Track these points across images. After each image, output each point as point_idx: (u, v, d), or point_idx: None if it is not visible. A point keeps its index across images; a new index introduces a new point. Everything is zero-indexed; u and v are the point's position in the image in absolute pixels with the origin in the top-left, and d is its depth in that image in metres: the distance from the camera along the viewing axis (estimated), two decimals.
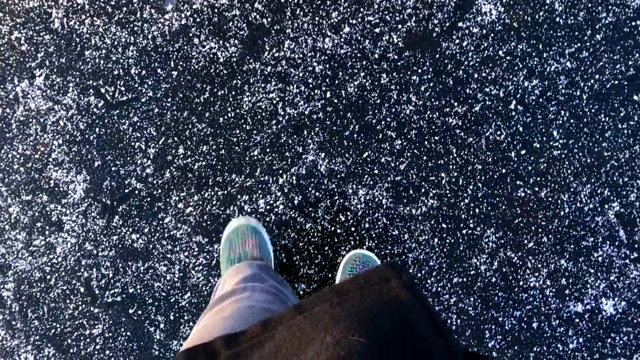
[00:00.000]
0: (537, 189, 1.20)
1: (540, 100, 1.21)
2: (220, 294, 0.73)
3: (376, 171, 1.20)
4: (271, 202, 1.19)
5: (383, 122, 1.20)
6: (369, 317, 0.40)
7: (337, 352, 0.36)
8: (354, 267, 1.12)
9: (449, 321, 1.20)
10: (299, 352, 0.39)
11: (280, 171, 1.20)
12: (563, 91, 1.21)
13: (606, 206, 1.20)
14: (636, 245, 1.20)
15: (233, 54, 1.20)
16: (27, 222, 1.18)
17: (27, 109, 1.19)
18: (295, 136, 1.20)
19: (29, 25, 1.19)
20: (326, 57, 1.20)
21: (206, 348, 0.44)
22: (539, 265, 1.20)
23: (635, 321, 1.20)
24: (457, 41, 1.21)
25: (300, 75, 1.20)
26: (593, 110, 1.21)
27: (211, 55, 1.20)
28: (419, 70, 1.20)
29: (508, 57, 1.21)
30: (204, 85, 1.20)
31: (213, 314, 0.64)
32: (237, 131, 1.19)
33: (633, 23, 1.20)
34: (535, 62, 1.21)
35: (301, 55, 1.20)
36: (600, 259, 1.20)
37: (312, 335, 0.40)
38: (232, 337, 0.44)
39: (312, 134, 1.20)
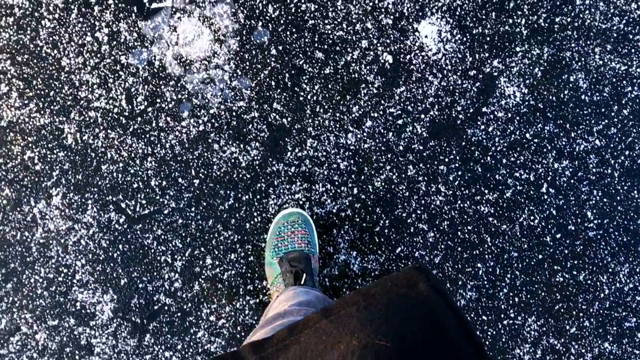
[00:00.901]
0: (575, 272, 1.18)
1: (572, 181, 1.18)
2: (272, 314, 0.71)
3: None
4: None
5: (413, 215, 1.17)
6: (396, 320, 0.40)
7: (363, 356, 0.36)
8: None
9: None
10: (324, 354, 0.39)
11: None
12: (594, 170, 1.19)
13: None
14: None
15: (255, 157, 1.16)
16: (56, 349, 1.14)
17: (47, 230, 1.15)
18: (324, 236, 1.17)
19: (41, 143, 1.15)
20: (350, 153, 1.17)
21: (235, 355, 0.44)
22: (583, 351, 1.18)
23: None
24: (483, 127, 1.18)
25: (325, 173, 1.17)
26: (626, 188, 1.19)
27: (232, 160, 1.16)
28: (446, 160, 1.18)
29: (536, 140, 1.18)
30: (228, 192, 1.16)
31: (261, 333, 0.63)
32: (265, 236, 1.16)
33: None
34: (563, 143, 1.18)
35: (324, 153, 1.17)
36: None
37: (338, 338, 0.39)
38: (259, 343, 0.44)
39: (342, 232, 1.17)
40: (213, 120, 1.16)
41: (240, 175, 1.16)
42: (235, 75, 1.17)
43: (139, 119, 1.16)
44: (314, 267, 1.05)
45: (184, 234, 1.16)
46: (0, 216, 1.14)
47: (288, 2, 1.18)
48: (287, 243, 1.06)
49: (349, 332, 0.39)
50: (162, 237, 1.15)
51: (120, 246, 1.15)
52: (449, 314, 0.41)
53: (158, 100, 1.16)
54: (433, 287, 0.43)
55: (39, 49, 1.16)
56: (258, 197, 1.16)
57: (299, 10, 1.18)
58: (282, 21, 1.17)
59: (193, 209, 1.16)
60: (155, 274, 1.15)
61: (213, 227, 1.16)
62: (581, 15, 1.19)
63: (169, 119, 1.16)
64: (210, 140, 1.16)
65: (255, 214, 1.16)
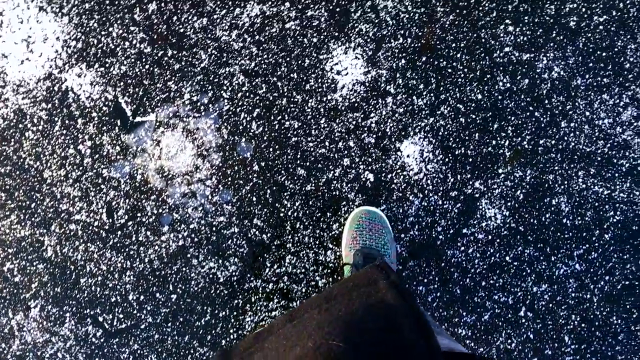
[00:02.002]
0: None
1: (550, 305, 1.18)
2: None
3: None
4: None
5: None
6: (353, 321, 0.41)
7: (315, 357, 0.37)
8: (360, 223, 1.09)
9: None
10: (283, 358, 0.41)
11: None
12: (573, 295, 1.18)
13: None
14: None
15: (233, 273, 1.17)
16: None
17: (23, 342, 1.15)
18: None
19: (21, 255, 1.16)
20: (329, 271, 1.17)
21: None
22: None
23: None
24: (463, 248, 1.18)
25: (304, 290, 1.17)
26: (605, 313, 1.18)
27: (211, 276, 1.16)
28: (425, 280, 1.17)
29: (515, 263, 1.18)
30: (205, 307, 1.16)
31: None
32: None
33: None
34: (543, 266, 1.18)
35: (303, 270, 1.17)
36: None
37: (296, 341, 0.41)
38: (227, 351, 0.46)
39: None
40: (193, 235, 1.17)
41: (218, 291, 1.17)
42: (217, 190, 1.17)
43: (119, 232, 1.16)
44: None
45: (160, 349, 1.16)
46: None
47: (272, 118, 1.18)
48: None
49: (307, 335, 0.41)
50: (139, 351, 1.16)
51: None
52: (407, 313, 0.41)
53: (139, 214, 1.16)
54: (392, 285, 0.43)
55: (21, 160, 1.16)
56: (235, 313, 1.16)
57: (282, 127, 1.18)
58: (265, 137, 1.18)
59: (170, 324, 1.16)
60: None
61: (189, 343, 1.16)
62: (565, 138, 1.18)
63: (149, 233, 1.16)
64: (189, 255, 1.16)
65: (231, 330, 1.16)
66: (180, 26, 1.17)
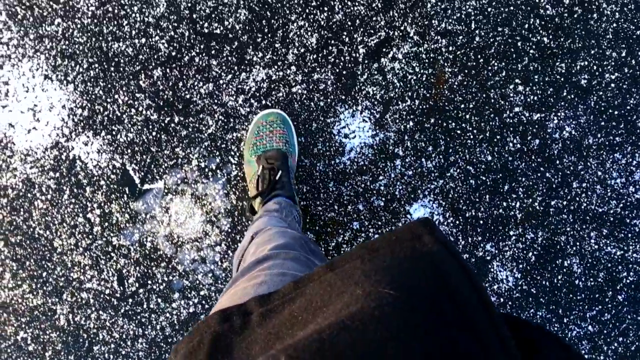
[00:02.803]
0: None
1: None
2: (252, 260, 0.72)
3: None
4: None
5: None
6: (400, 271, 0.40)
7: (367, 304, 0.37)
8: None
9: None
10: (329, 304, 0.40)
11: None
12: (586, 356, 1.17)
13: None
14: None
15: None
16: None
17: None
18: None
19: (34, 324, 1.16)
20: None
21: (240, 308, 0.45)
22: None
23: None
24: None
25: None
26: None
27: None
28: None
29: None
30: None
31: (245, 280, 0.64)
32: None
33: None
34: (556, 328, 1.17)
35: None
36: None
37: (342, 289, 0.41)
38: (265, 296, 0.45)
39: None
40: (203, 302, 1.17)
41: None
42: (226, 256, 1.17)
43: (131, 300, 1.17)
44: (291, 166, 1.09)
45: None
46: None
47: None
48: (265, 142, 1.10)
49: (353, 283, 0.40)
50: None
51: None
52: (454, 265, 0.41)
53: (149, 282, 1.17)
54: (437, 240, 0.43)
55: (32, 229, 1.17)
56: None
57: None
58: None
59: None
60: None
61: None
62: (577, 199, 1.17)
63: (159, 300, 1.17)
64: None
65: None
66: (186, 92, 1.16)
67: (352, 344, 0.35)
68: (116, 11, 1.16)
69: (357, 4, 1.16)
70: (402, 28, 1.16)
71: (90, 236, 1.17)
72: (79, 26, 1.15)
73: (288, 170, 1.07)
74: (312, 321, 0.40)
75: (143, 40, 1.15)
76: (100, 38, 1.15)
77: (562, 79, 1.16)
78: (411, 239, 0.44)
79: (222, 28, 1.16)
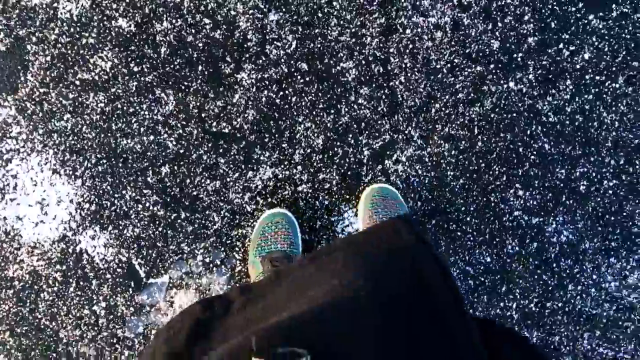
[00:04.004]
0: None
1: None
2: None
3: None
4: None
5: None
6: (378, 265, 0.42)
7: (342, 293, 0.38)
8: (373, 201, 1.11)
9: None
10: (307, 291, 0.41)
11: None
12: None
13: None
14: None
15: None
16: None
17: None
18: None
19: None
20: None
21: (223, 297, 0.47)
22: None
23: None
24: None
25: None
26: None
27: None
28: None
29: None
30: None
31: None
32: None
33: None
34: None
35: None
36: None
37: (321, 280, 0.42)
38: (247, 286, 0.48)
39: None
40: None
41: None
42: None
43: None
44: None
45: None
46: None
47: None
48: (270, 243, 1.09)
49: (330, 274, 0.42)
50: None
51: None
52: (430, 263, 0.43)
53: None
54: (416, 236, 0.45)
55: (37, 320, 1.18)
56: None
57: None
58: None
59: None
60: None
61: None
62: (572, 301, 1.20)
63: None
64: None
65: None
66: (193, 189, 1.18)
67: (321, 332, 0.37)
68: (125, 108, 1.17)
69: (363, 107, 1.18)
70: (406, 132, 1.18)
71: (96, 328, 1.19)
72: (87, 122, 1.17)
73: None
74: (287, 309, 0.42)
75: (151, 137, 1.17)
76: (109, 134, 1.17)
77: (562, 185, 1.19)
78: (391, 234, 0.46)
79: (230, 127, 1.17)
